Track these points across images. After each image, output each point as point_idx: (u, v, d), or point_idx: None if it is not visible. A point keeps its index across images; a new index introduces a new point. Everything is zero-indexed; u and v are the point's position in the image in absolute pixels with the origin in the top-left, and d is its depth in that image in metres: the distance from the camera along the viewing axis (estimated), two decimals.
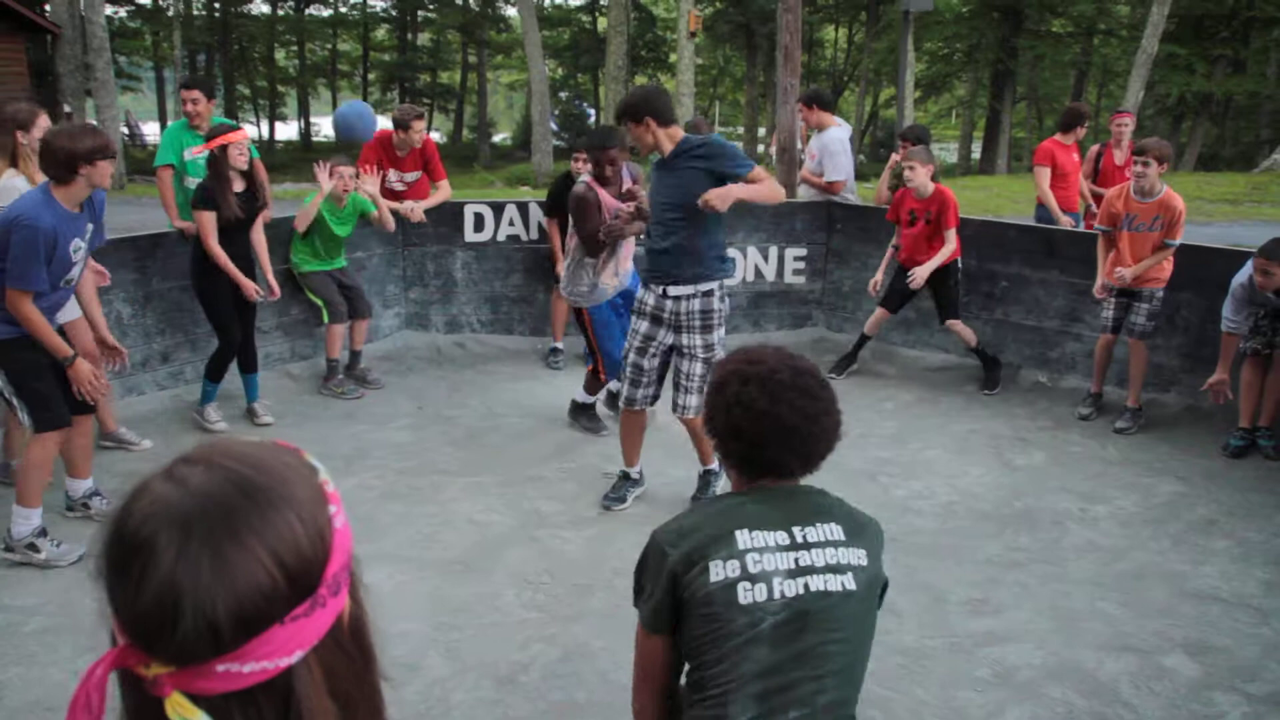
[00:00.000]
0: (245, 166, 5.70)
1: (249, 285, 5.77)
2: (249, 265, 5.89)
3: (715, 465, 4.97)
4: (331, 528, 0.88)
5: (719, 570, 1.99)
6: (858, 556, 2.05)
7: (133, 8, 36.24)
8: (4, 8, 22.55)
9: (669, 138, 4.56)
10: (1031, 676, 3.58)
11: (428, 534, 4.64)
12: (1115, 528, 4.82)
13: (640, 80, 38.74)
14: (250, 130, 43.70)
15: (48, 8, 24.93)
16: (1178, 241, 5.94)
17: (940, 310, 6.77)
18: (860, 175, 20.51)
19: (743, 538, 2.02)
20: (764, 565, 2.00)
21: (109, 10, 24.43)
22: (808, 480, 2.19)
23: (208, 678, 0.82)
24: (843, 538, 2.06)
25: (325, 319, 6.58)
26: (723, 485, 4.95)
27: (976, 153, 35.76)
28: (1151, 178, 5.89)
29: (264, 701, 0.84)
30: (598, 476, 5.31)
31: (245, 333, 5.98)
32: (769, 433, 2.07)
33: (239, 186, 5.70)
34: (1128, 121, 8.32)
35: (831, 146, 7.73)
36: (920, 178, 6.52)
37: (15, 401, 4.32)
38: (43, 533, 4.38)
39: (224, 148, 5.58)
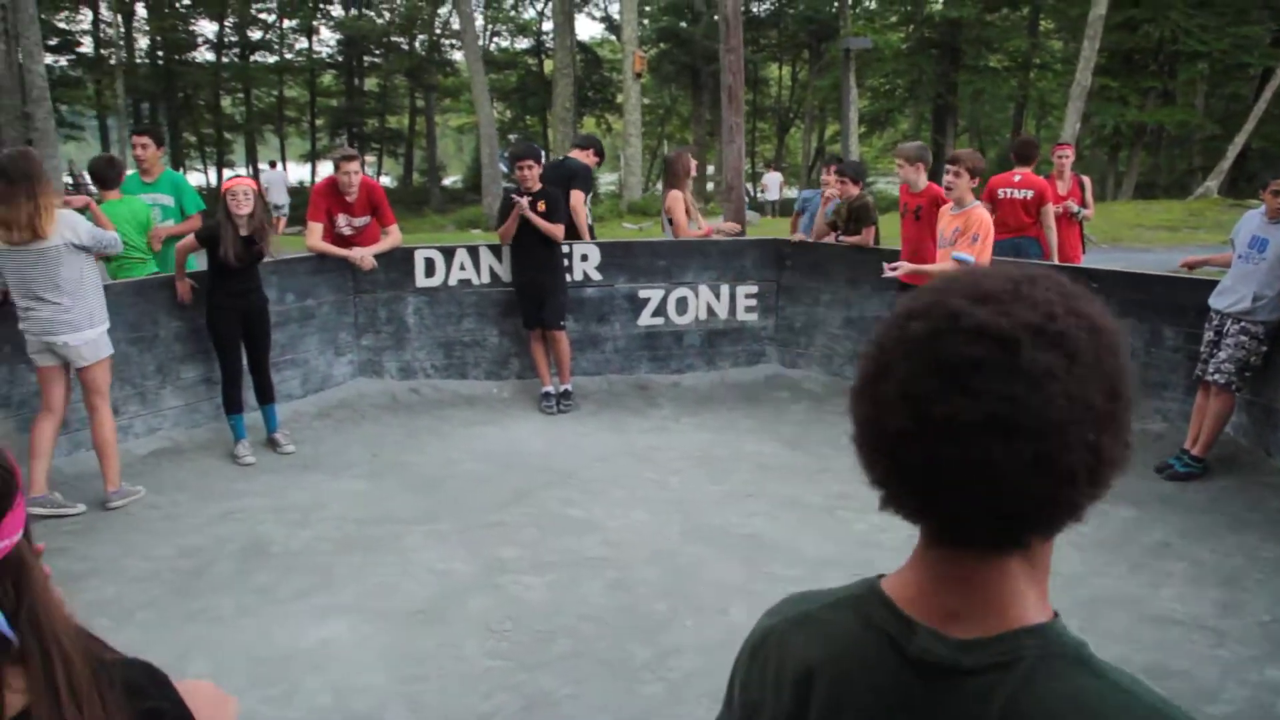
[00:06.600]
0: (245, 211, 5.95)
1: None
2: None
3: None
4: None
5: None
6: None
7: (74, 57, 35.87)
8: None
9: None
10: None
11: (390, 585, 4.60)
12: (1073, 554, 4.89)
13: (589, 121, 39.03)
14: (197, 178, 43.61)
15: None
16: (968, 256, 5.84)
17: None
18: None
19: None
20: None
21: (49, 59, 24.11)
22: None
23: None
24: None
25: None
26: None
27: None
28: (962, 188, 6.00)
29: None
30: (559, 521, 5.30)
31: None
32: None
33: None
34: (1068, 153, 8.52)
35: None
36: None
37: None
38: None
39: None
